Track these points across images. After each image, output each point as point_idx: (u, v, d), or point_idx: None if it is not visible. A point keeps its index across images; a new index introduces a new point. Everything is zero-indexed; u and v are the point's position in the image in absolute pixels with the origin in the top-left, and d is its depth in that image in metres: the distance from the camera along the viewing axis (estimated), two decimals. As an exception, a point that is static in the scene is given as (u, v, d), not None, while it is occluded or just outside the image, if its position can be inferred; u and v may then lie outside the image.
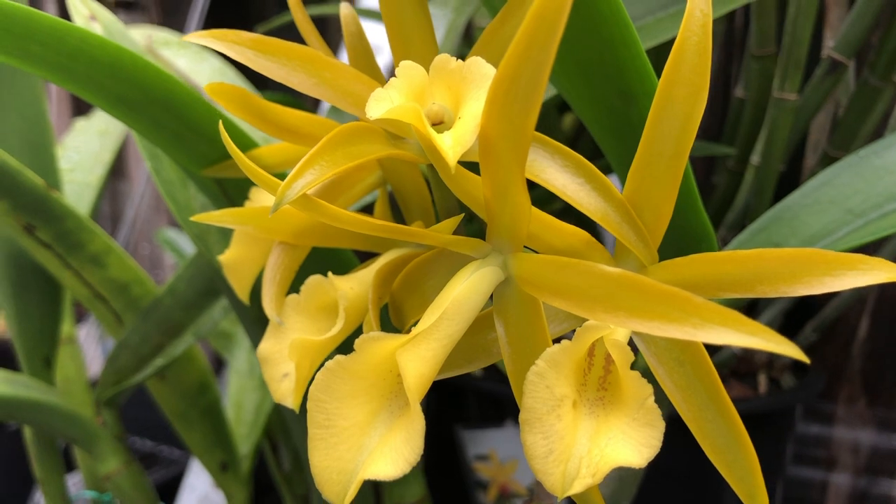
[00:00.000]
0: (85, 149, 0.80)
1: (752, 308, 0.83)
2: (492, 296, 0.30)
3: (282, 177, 0.44)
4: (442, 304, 0.28)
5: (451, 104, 0.30)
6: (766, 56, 0.72)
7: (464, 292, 0.28)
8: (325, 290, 0.35)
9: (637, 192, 0.31)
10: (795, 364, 0.89)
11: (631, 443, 0.27)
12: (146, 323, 0.59)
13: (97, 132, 0.82)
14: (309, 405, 0.27)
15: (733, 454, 0.32)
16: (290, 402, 0.33)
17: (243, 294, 0.41)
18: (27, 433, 0.63)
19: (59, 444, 0.66)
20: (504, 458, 0.78)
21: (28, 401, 0.57)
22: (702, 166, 0.91)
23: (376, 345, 0.26)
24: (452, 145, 0.27)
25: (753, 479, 0.32)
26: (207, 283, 0.58)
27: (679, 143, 0.30)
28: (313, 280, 0.35)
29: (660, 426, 0.27)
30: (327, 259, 0.46)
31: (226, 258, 0.40)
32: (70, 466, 0.69)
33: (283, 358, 0.34)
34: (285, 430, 0.76)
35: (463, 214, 0.31)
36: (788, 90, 0.66)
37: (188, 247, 0.95)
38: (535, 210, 0.29)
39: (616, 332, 0.29)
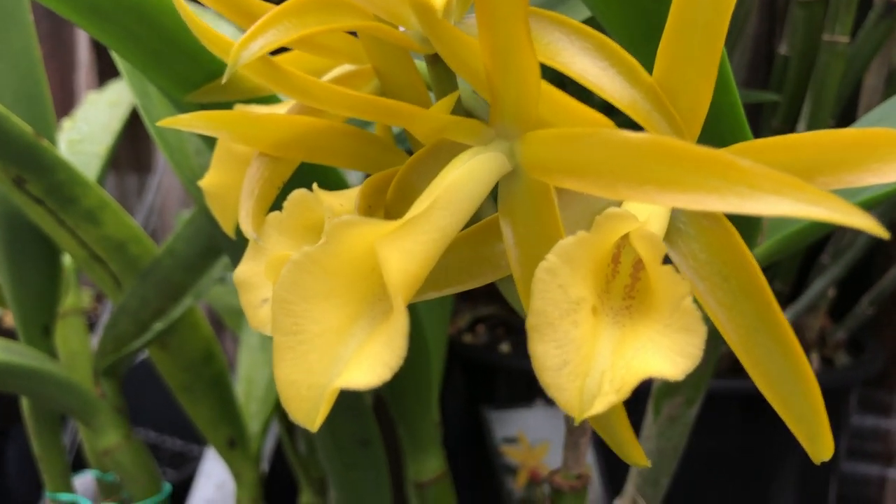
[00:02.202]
0: (94, 119, 0.77)
1: (802, 275, 0.77)
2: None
3: (271, 100, 0.40)
4: (433, 192, 0.23)
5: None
6: (814, 1, 0.66)
7: (459, 178, 0.23)
8: (310, 206, 0.31)
9: (669, 74, 0.27)
10: (850, 342, 0.82)
11: (663, 351, 0.22)
12: (145, 285, 0.55)
13: (107, 103, 0.79)
14: (273, 308, 0.22)
15: (790, 386, 0.27)
16: (269, 329, 0.29)
17: (228, 225, 0.37)
18: (25, 406, 0.60)
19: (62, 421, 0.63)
20: (534, 440, 0.73)
21: (23, 368, 0.53)
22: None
23: (351, 232, 0.22)
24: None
25: (815, 417, 0.27)
26: (208, 242, 0.54)
27: (717, 2, 0.25)
28: (297, 194, 0.31)
29: (699, 331, 0.22)
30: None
31: (206, 183, 0.36)
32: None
33: (261, 282, 0.30)
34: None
35: (458, 91, 0.26)
36: (839, 33, 0.60)
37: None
38: (545, 86, 0.24)
39: (645, 225, 0.24)
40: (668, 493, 0.59)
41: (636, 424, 0.54)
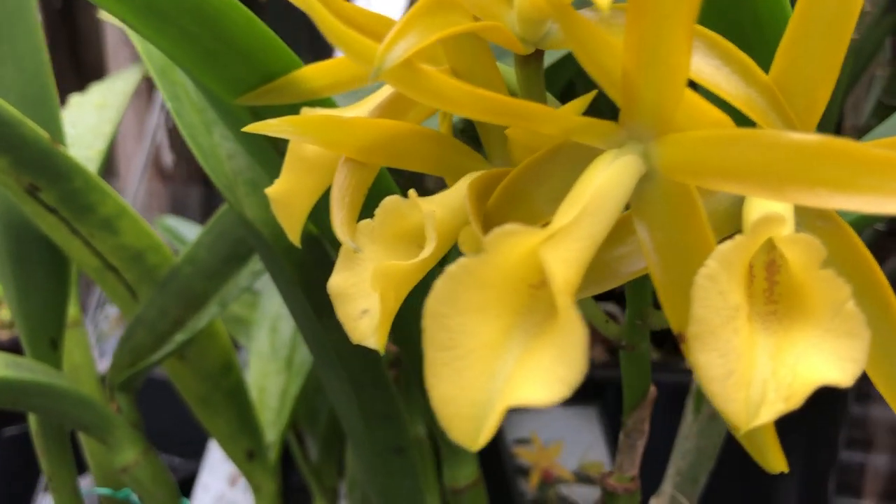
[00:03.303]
0: (82, 123, 0.74)
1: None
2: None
3: (326, 103, 0.39)
4: (580, 199, 0.22)
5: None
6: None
7: (605, 184, 0.23)
8: (403, 214, 0.30)
9: (787, 73, 0.26)
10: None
11: (828, 357, 0.21)
12: (164, 295, 0.53)
13: (94, 106, 0.76)
14: (427, 323, 0.21)
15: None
16: (373, 341, 0.28)
17: (294, 234, 0.35)
18: (33, 424, 0.57)
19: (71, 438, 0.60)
20: (547, 440, 0.72)
21: (35, 384, 0.51)
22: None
23: (511, 241, 0.21)
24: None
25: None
26: (231, 248, 0.53)
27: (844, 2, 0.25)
28: (390, 201, 0.29)
29: (864, 335, 0.21)
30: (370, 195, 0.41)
31: (275, 190, 0.34)
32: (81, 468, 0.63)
33: (359, 292, 0.29)
34: (312, 417, 0.71)
35: (595, 91, 0.25)
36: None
37: (190, 233, 0.89)
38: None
39: (786, 229, 0.23)
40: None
41: (675, 423, 0.54)
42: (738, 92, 0.26)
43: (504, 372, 0.21)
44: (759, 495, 0.75)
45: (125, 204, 0.50)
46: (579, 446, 0.70)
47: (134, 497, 0.58)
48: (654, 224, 0.24)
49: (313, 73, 0.36)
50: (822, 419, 0.76)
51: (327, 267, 0.48)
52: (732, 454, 0.66)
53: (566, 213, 0.22)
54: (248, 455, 0.59)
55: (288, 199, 0.34)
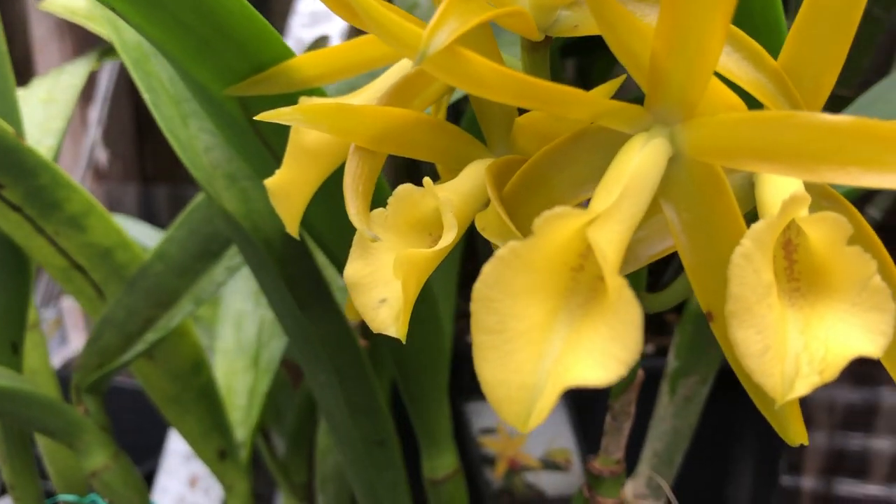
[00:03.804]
0: (27, 119, 0.71)
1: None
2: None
3: (316, 93, 0.38)
4: (618, 182, 0.23)
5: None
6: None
7: (641, 167, 0.23)
8: (416, 202, 0.30)
9: (795, 59, 0.27)
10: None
11: (857, 330, 0.22)
12: (133, 294, 0.52)
13: (40, 101, 0.74)
14: (475, 307, 0.21)
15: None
16: (394, 329, 0.28)
17: (293, 225, 0.35)
18: (-7, 430, 0.55)
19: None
20: (512, 429, 0.73)
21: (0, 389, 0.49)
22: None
23: (559, 224, 0.21)
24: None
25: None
26: (204, 244, 0.51)
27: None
28: (404, 190, 0.29)
29: (890, 309, 0.22)
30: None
31: (274, 182, 0.34)
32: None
33: (375, 281, 0.29)
34: (278, 415, 0.70)
35: (625, 76, 0.26)
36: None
37: (141, 235, 0.86)
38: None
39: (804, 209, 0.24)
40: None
41: (646, 407, 0.55)
42: (749, 77, 0.27)
43: (552, 354, 0.21)
44: (717, 474, 0.77)
45: (93, 200, 0.49)
46: (545, 434, 0.71)
47: (101, 502, 0.56)
48: (681, 205, 0.25)
49: (305, 63, 0.36)
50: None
51: (308, 260, 0.47)
52: (694, 436, 0.68)
53: (605, 195, 0.23)
54: (219, 454, 0.58)
55: (288, 189, 0.34)
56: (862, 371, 1.12)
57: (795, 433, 0.26)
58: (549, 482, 0.72)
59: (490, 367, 0.21)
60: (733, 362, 0.25)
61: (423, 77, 0.32)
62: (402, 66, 0.33)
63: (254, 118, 0.37)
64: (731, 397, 0.75)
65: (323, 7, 1.13)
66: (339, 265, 0.46)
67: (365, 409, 0.49)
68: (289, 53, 0.36)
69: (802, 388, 0.22)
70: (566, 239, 0.22)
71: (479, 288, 0.21)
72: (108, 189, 1.47)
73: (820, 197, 0.28)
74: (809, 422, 1.17)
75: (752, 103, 0.27)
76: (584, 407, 0.71)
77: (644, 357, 0.71)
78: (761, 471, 0.80)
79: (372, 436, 0.49)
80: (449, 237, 0.27)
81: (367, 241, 0.29)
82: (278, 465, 0.67)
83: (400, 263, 0.27)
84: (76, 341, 1.29)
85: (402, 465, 0.52)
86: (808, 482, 1.14)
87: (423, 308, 0.46)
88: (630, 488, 0.53)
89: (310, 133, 0.33)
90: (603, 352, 0.20)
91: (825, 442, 1.14)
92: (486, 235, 0.27)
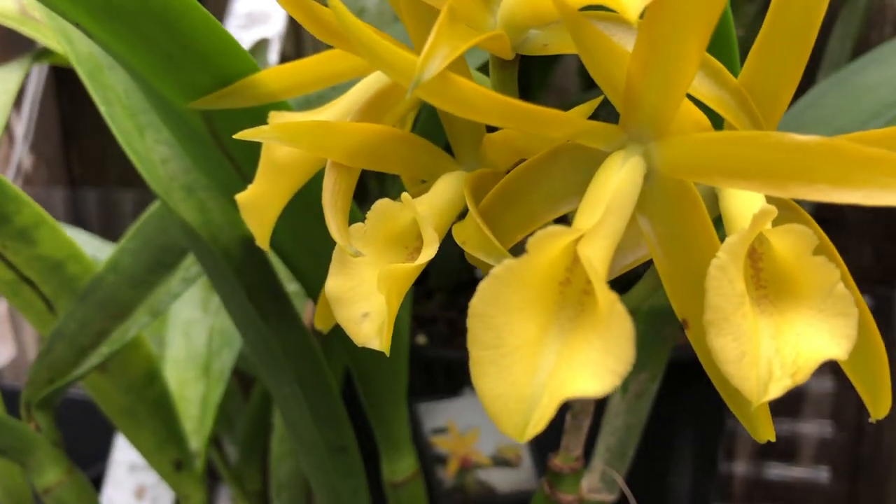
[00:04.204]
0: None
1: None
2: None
3: (281, 106, 0.38)
4: (600, 199, 0.24)
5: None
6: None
7: (622, 184, 0.24)
8: (393, 216, 0.30)
9: (755, 77, 0.29)
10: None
11: (825, 335, 0.24)
12: (85, 306, 0.51)
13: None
14: (472, 323, 0.22)
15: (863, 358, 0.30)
16: (378, 343, 0.28)
17: (263, 238, 0.35)
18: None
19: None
20: (463, 428, 0.74)
21: (-53, 409, 0.48)
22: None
23: (552, 242, 0.22)
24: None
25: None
26: (158, 255, 0.51)
27: (809, 12, 0.27)
28: (381, 205, 0.30)
29: (854, 314, 0.24)
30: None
31: (245, 197, 0.34)
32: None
33: (357, 296, 0.29)
34: (229, 423, 0.69)
35: (601, 97, 0.27)
36: None
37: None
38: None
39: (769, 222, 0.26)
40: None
41: (600, 402, 0.57)
42: (712, 94, 0.28)
43: (546, 367, 0.22)
44: (661, 465, 0.80)
45: (43, 213, 0.48)
46: (496, 431, 0.73)
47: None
48: (656, 219, 0.26)
49: (271, 77, 0.36)
50: (712, 394, 0.82)
51: (267, 270, 0.47)
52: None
53: (589, 212, 0.24)
54: (175, 465, 0.57)
55: (259, 203, 0.34)
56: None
57: (764, 431, 0.28)
58: (500, 479, 0.74)
59: (488, 381, 0.22)
60: (708, 366, 0.27)
61: (395, 93, 0.33)
62: (371, 82, 0.34)
63: (222, 133, 0.37)
64: (673, 392, 0.77)
65: (259, 8, 1.12)
66: (300, 275, 0.46)
67: (326, 417, 0.49)
68: (253, 67, 0.36)
69: (776, 390, 0.24)
70: (556, 255, 0.23)
71: (476, 304, 0.22)
72: (34, 194, 1.43)
73: (781, 207, 0.30)
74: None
75: (714, 117, 0.29)
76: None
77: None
78: (701, 460, 0.83)
79: (336, 443, 0.50)
80: (431, 251, 0.28)
81: (347, 256, 0.30)
82: (231, 473, 0.66)
83: (384, 278, 0.28)
84: (4, 352, 1.25)
85: (363, 471, 0.52)
86: (740, 467, 1.18)
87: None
88: (585, 483, 0.55)
89: (280, 148, 0.33)
90: (598, 364, 0.21)
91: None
92: (466, 249, 0.28)
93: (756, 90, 0.29)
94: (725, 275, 0.24)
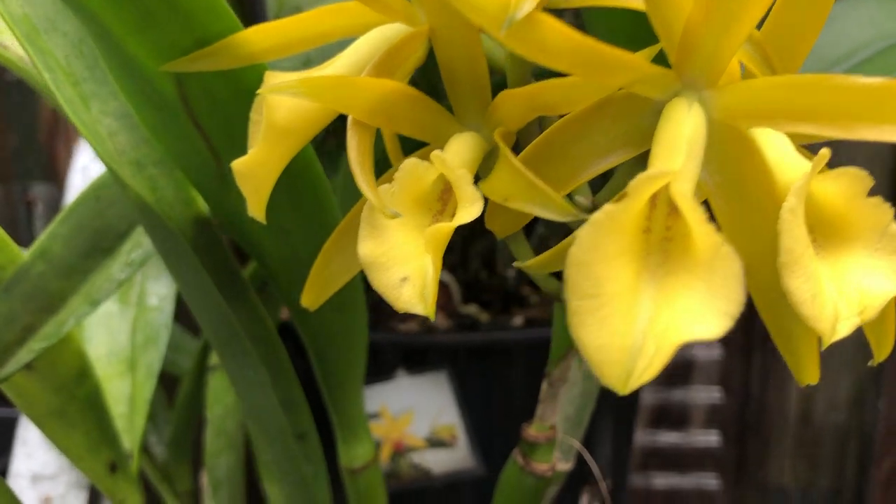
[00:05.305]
0: None
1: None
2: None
3: (259, 69, 0.36)
4: (678, 143, 0.24)
5: None
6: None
7: (696, 129, 0.24)
8: (420, 177, 0.29)
9: (774, 32, 0.29)
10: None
11: (884, 274, 0.25)
12: (10, 299, 0.46)
13: None
14: (570, 272, 0.21)
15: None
16: (421, 307, 0.27)
17: (258, 208, 0.33)
18: None
19: None
20: (396, 412, 0.73)
21: None
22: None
23: (651, 186, 0.21)
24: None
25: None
26: (94, 240, 0.47)
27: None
28: (410, 164, 0.29)
29: (906, 251, 0.25)
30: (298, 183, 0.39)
31: (243, 163, 0.32)
32: None
33: (391, 260, 0.28)
34: (153, 420, 0.65)
35: (661, 44, 0.26)
36: None
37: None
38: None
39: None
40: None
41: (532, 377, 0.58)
42: (737, 47, 0.29)
43: (645, 315, 0.22)
44: (586, 435, 0.81)
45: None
46: (430, 412, 0.72)
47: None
48: (712, 167, 0.26)
49: (254, 36, 0.34)
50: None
51: (223, 250, 0.45)
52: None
53: (668, 156, 0.23)
54: (110, 468, 0.53)
55: (256, 169, 0.32)
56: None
57: (809, 374, 0.28)
58: (435, 460, 0.73)
59: (589, 331, 0.21)
60: (763, 309, 0.27)
61: (405, 50, 0.31)
62: (376, 40, 0.32)
63: (193, 100, 0.35)
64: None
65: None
66: (262, 255, 0.44)
67: (286, 402, 0.47)
68: (236, 27, 0.34)
69: (844, 329, 0.24)
70: (643, 202, 0.22)
71: (575, 253, 0.21)
72: None
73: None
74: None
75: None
76: (468, 383, 0.72)
77: (512, 329, 0.74)
78: (619, 430, 0.85)
79: (296, 428, 0.47)
80: (474, 209, 0.27)
81: (377, 219, 0.28)
82: (160, 472, 0.62)
83: (431, 239, 0.26)
84: None
85: (323, 458, 0.50)
86: (639, 436, 1.22)
87: (347, 294, 0.45)
88: (542, 454, 0.55)
89: (282, 111, 0.31)
90: (708, 307, 0.21)
91: (651, 398, 1.23)
92: (511, 205, 0.27)
93: (777, 44, 0.29)
94: (795, 217, 0.24)
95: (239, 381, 0.45)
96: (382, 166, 0.32)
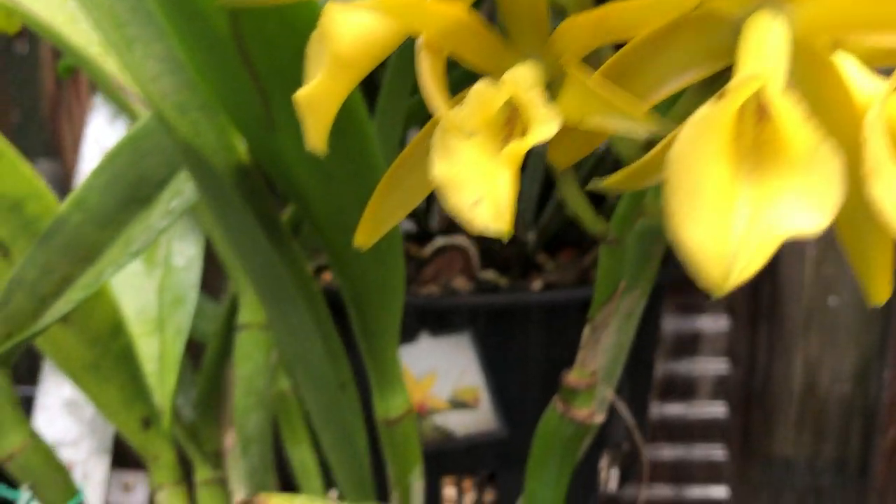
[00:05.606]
0: None
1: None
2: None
3: (314, 6, 0.36)
4: (765, 51, 0.24)
5: None
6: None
7: (782, 38, 0.24)
8: (490, 99, 0.29)
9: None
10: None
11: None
12: (46, 250, 0.46)
13: None
14: (672, 171, 0.21)
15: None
16: (496, 228, 0.27)
17: (319, 138, 0.33)
18: None
19: None
20: (419, 374, 0.73)
21: None
22: None
23: (749, 87, 0.22)
24: None
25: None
26: (131, 190, 0.47)
27: None
28: (481, 86, 0.29)
29: None
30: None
31: (306, 93, 0.32)
32: None
33: (465, 181, 0.28)
34: (180, 381, 0.65)
35: None
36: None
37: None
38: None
39: None
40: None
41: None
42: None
43: (744, 213, 0.22)
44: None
45: (3, 145, 0.43)
46: (452, 374, 0.72)
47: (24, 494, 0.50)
48: (790, 82, 0.26)
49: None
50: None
51: (266, 196, 0.45)
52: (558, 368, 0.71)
53: (755, 62, 0.23)
54: (143, 423, 0.53)
55: (319, 101, 0.32)
56: (685, 303, 1.23)
57: (882, 292, 0.28)
58: (457, 422, 0.73)
59: (689, 229, 0.21)
60: (843, 226, 0.27)
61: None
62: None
63: (248, 38, 0.34)
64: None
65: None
66: (307, 200, 0.44)
67: (327, 353, 0.47)
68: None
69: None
70: (738, 107, 0.22)
71: (677, 150, 0.21)
72: None
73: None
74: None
75: None
76: (492, 344, 0.72)
77: (531, 292, 0.74)
78: (636, 399, 0.86)
79: (336, 379, 0.47)
80: (549, 128, 0.27)
81: (449, 140, 0.28)
82: (187, 431, 0.62)
83: (509, 157, 0.26)
84: None
85: (360, 409, 0.50)
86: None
87: (387, 245, 0.45)
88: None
89: (345, 41, 0.31)
90: (809, 202, 0.21)
91: (658, 369, 1.24)
92: (587, 124, 0.27)
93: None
94: (881, 124, 0.24)
95: (282, 329, 0.45)
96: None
